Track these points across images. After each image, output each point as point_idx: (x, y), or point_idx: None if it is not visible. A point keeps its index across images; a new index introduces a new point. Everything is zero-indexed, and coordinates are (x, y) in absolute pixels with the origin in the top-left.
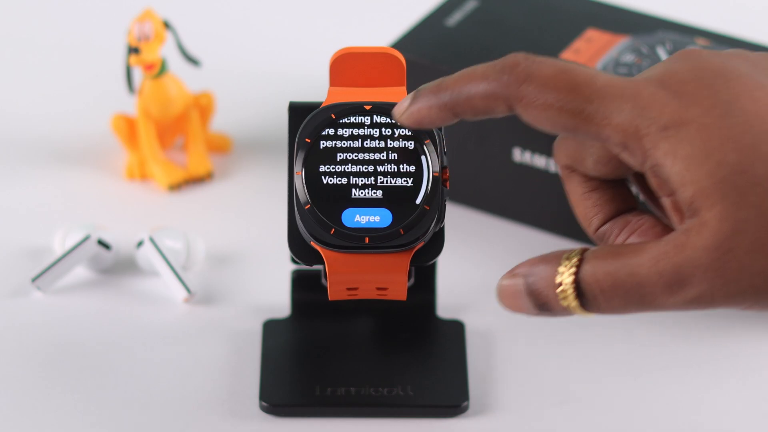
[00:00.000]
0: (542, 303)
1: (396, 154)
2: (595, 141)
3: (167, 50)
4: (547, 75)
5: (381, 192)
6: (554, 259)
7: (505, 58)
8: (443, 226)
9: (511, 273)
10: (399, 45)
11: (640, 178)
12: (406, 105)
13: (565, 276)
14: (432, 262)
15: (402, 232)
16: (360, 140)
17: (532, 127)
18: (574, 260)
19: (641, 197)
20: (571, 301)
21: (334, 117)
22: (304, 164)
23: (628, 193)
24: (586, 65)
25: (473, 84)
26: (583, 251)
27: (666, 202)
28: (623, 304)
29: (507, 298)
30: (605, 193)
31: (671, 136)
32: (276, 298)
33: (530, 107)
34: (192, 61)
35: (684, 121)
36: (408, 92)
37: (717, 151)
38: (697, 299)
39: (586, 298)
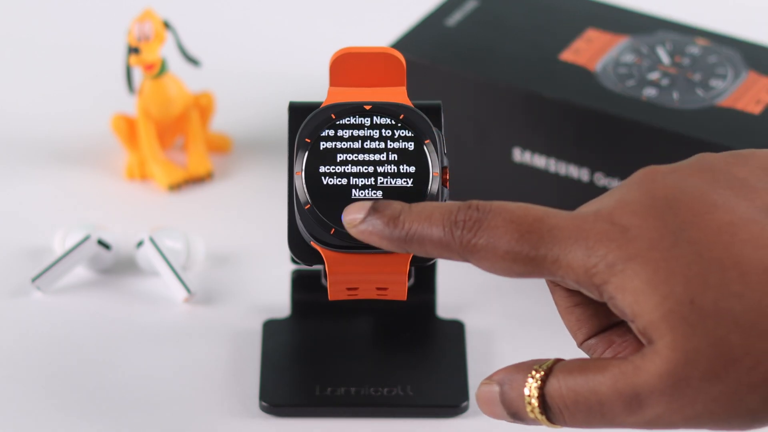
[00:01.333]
0: (513, 412)
1: (396, 155)
2: (555, 280)
3: (167, 50)
4: (495, 226)
5: (381, 192)
6: (526, 368)
7: (459, 209)
8: None
9: (489, 379)
10: (399, 45)
11: None
12: (357, 219)
13: (533, 388)
14: (432, 262)
15: None
16: (360, 141)
17: (488, 271)
18: (542, 372)
19: None
20: (537, 414)
21: (334, 117)
22: (304, 164)
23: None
24: (538, 207)
25: (428, 229)
26: (555, 362)
27: (632, 326)
28: (586, 420)
29: (483, 404)
30: (588, 308)
31: (619, 272)
32: (276, 298)
33: (482, 260)
34: (192, 61)
35: (630, 256)
36: (408, 93)
37: (663, 284)
38: (656, 420)
39: (551, 411)
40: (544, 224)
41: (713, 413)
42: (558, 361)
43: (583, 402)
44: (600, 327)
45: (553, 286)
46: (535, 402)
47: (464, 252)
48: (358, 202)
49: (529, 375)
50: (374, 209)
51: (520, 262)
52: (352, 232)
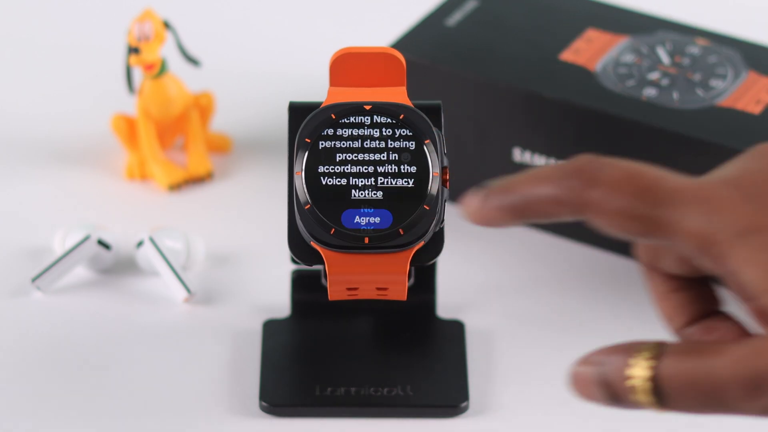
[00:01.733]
0: (613, 394)
1: (396, 155)
2: (668, 246)
3: (167, 50)
4: (615, 180)
5: (381, 193)
6: (629, 350)
7: (572, 161)
8: (443, 226)
9: (585, 360)
10: (399, 45)
11: None
12: (477, 204)
13: (639, 370)
14: (432, 262)
15: (402, 232)
16: (360, 140)
17: (604, 232)
18: (652, 354)
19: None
20: (644, 397)
21: (334, 117)
22: (304, 164)
23: (712, 293)
24: (656, 167)
25: (540, 187)
26: (660, 345)
27: (747, 306)
28: (699, 405)
29: (579, 386)
30: (687, 293)
31: (746, 243)
32: (276, 298)
33: (598, 214)
34: (192, 61)
35: (759, 227)
36: (408, 92)
37: None
38: None
39: (661, 394)
40: (664, 183)
41: None
42: (662, 344)
43: (697, 386)
44: (699, 313)
45: (650, 270)
46: (645, 384)
47: (579, 206)
48: (469, 194)
49: (635, 356)
50: (486, 189)
51: (637, 220)
52: (475, 218)
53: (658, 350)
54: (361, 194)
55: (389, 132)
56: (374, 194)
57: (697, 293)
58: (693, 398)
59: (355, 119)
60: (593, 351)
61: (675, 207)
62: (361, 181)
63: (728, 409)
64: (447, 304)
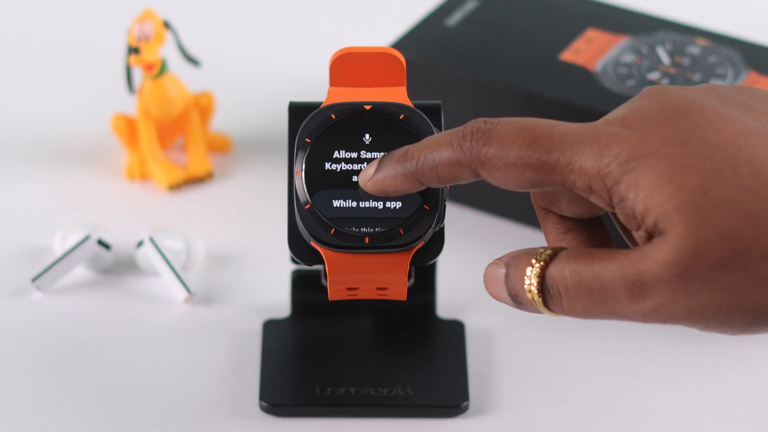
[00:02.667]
0: (514, 294)
1: None
2: (562, 189)
3: (167, 50)
4: (506, 134)
5: None
6: (532, 252)
7: (466, 125)
8: (443, 226)
9: (498, 260)
10: (399, 45)
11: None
12: (371, 172)
13: (534, 269)
14: (432, 262)
15: (402, 232)
16: (360, 140)
17: (502, 188)
18: (546, 255)
19: (621, 234)
20: (535, 296)
21: (334, 117)
22: (304, 164)
23: (603, 233)
24: (545, 119)
25: (437, 152)
26: (556, 249)
27: (637, 236)
28: (585, 306)
29: (489, 284)
30: (580, 233)
31: (632, 169)
32: (276, 298)
33: (494, 169)
34: (192, 61)
35: (644, 153)
36: (408, 92)
37: (678, 176)
38: (657, 310)
39: (549, 294)
40: (554, 131)
41: (717, 305)
42: (561, 249)
43: (585, 286)
44: None
45: (544, 213)
46: (534, 282)
47: (475, 164)
48: (366, 167)
49: (534, 257)
50: (381, 158)
51: (532, 168)
52: (369, 186)
53: (551, 252)
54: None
55: (389, 132)
56: None
57: (588, 233)
58: (579, 299)
59: (355, 119)
60: (507, 253)
61: (566, 150)
62: None
63: (614, 313)
64: (447, 304)
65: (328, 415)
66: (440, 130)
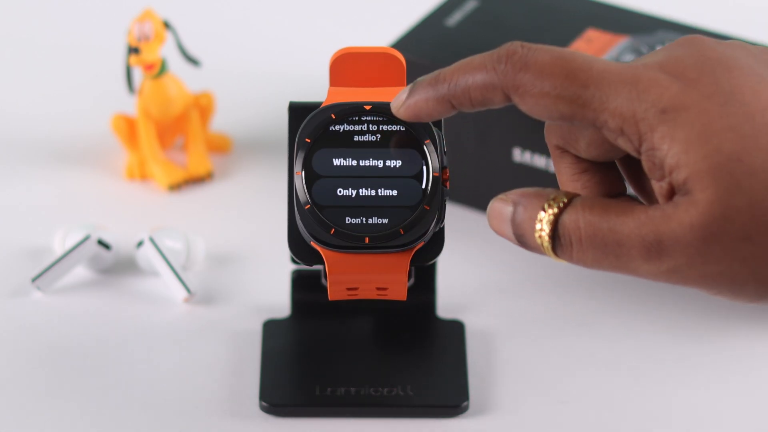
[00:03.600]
0: (520, 234)
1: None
2: (592, 127)
3: (167, 50)
4: (544, 62)
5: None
6: (545, 194)
7: (501, 48)
8: (443, 226)
9: (504, 196)
10: (399, 45)
11: (628, 163)
12: (403, 98)
13: (548, 214)
14: (432, 262)
15: (402, 232)
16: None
17: (531, 116)
18: (561, 201)
19: (627, 183)
20: (545, 241)
21: (334, 117)
22: (304, 164)
23: (618, 177)
24: (585, 52)
25: (470, 74)
26: (572, 196)
27: (657, 186)
28: (596, 259)
29: (494, 219)
30: (594, 175)
31: (669, 119)
32: (276, 298)
33: (527, 96)
34: (192, 61)
35: (684, 105)
36: None
37: (715, 136)
38: (671, 272)
39: (560, 242)
40: (593, 66)
41: (734, 274)
42: (576, 195)
43: (599, 239)
44: (605, 195)
45: (560, 152)
46: (546, 228)
47: (509, 88)
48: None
49: (547, 201)
50: (413, 83)
51: (566, 101)
52: (401, 112)
53: (567, 199)
54: None
55: (389, 132)
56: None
57: (602, 176)
58: (592, 251)
59: (355, 119)
60: (514, 190)
61: (604, 88)
62: None
63: (625, 269)
64: (447, 304)
65: (328, 415)
66: (440, 130)
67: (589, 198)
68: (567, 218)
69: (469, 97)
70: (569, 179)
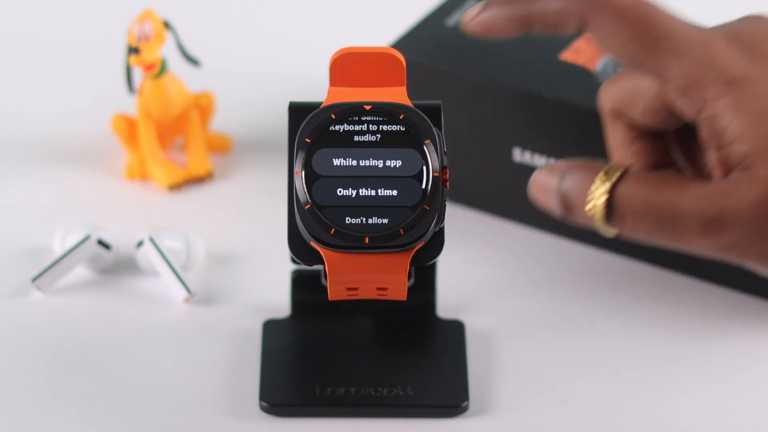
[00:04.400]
0: (568, 206)
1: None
2: (655, 80)
3: (167, 50)
4: (622, 7)
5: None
6: (595, 169)
7: None
8: (443, 226)
9: (550, 168)
10: (399, 45)
11: (681, 135)
12: (476, 12)
13: (601, 187)
14: (432, 262)
15: (402, 232)
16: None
17: (601, 47)
18: (616, 175)
19: (675, 155)
20: (598, 212)
21: (334, 117)
22: (304, 164)
23: (666, 149)
24: (664, 9)
25: (550, 1)
26: (624, 168)
27: (713, 156)
28: (651, 231)
29: (538, 191)
30: (646, 143)
31: (737, 90)
32: (276, 298)
33: (601, 29)
34: (192, 61)
35: (753, 78)
36: (408, 92)
37: None
38: (728, 248)
39: (615, 213)
40: (672, 23)
41: None
42: (628, 168)
43: (656, 212)
44: (653, 164)
45: (614, 118)
46: (601, 201)
47: (586, 19)
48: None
49: (601, 173)
50: (487, 1)
51: (640, 44)
52: (472, 26)
53: (621, 172)
54: None
55: (389, 132)
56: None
57: (654, 145)
58: (648, 224)
59: (355, 119)
60: (560, 162)
61: (681, 45)
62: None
63: (681, 242)
64: (447, 304)
65: (328, 415)
66: (440, 130)
67: (644, 171)
68: (623, 190)
69: (544, 20)
70: (619, 146)
